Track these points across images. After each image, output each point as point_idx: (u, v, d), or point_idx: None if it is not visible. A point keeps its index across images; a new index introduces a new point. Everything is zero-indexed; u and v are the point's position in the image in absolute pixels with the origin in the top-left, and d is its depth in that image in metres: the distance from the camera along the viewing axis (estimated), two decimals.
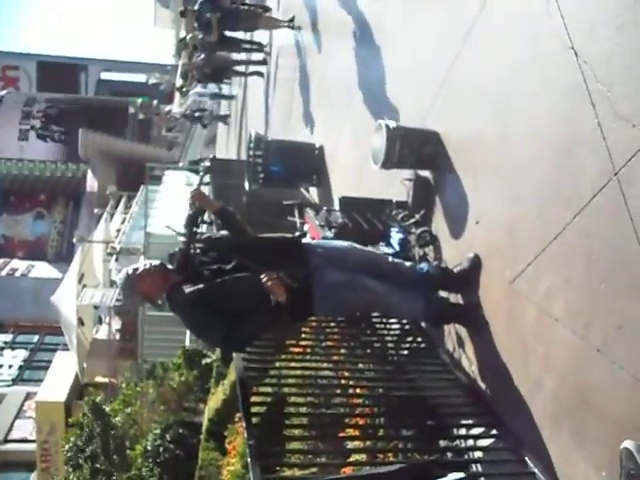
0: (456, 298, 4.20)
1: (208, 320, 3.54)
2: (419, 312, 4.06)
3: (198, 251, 3.75)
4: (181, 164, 23.36)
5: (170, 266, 3.69)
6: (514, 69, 3.78)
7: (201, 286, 3.55)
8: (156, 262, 3.69)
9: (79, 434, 12.09)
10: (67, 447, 12.27)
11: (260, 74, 13.61)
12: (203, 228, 4.26)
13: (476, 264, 3.98)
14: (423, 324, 4.50)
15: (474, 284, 3.98)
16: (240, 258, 3.60)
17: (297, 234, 3.91)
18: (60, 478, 11.77)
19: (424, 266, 4.14)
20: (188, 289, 3.56)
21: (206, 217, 4.15)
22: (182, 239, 3.85)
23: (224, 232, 3.88)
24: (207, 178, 9.96)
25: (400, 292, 3.88)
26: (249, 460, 3.09)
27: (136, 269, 3.66)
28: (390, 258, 4.14)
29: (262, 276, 3.40)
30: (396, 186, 5.03)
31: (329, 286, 3.67)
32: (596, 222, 2.99)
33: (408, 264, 4.16)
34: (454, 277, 4.08)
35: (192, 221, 3.90)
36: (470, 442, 3.59)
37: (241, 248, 3.70)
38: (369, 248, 4.25)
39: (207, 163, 10.08)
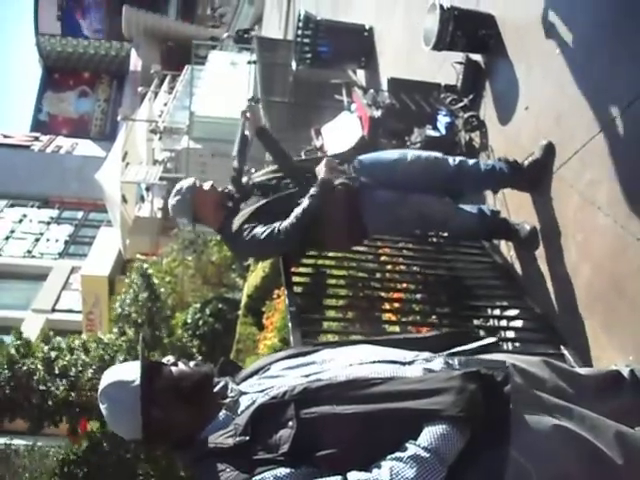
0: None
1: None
2: (471, 227, 3.77)
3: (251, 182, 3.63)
4: (226, 35, 22.67)
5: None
6: None
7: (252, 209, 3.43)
8: (208, 182, 3.54)
9: (124, 297, 12.49)
10: (115, 312, 12.69)
11: None
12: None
13: (550, 152, 3.66)
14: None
15: (547, 177, 3.65)
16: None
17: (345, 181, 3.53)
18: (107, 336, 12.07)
19: (490, 162, 3.83)
20: (237, 221, 3.43)
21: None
22: (234, 165, 3.70)
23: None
24: (254, 56, 9.78)
25: (455, 207, 3.71)
26: (289, 325, 3.24)
27: (190, 186, 3.50)
28: (452, 158, 3.74)
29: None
30: (446, 69, 4.94)
31: (378, 205, 3.52)
32: None
33: (472, 161, 3.76)
34: (525, 171, 3.73)
35: (244, 144, 3.78)
36: (503, 322, 3.72)
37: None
38: (428, 153, 3.84)
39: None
